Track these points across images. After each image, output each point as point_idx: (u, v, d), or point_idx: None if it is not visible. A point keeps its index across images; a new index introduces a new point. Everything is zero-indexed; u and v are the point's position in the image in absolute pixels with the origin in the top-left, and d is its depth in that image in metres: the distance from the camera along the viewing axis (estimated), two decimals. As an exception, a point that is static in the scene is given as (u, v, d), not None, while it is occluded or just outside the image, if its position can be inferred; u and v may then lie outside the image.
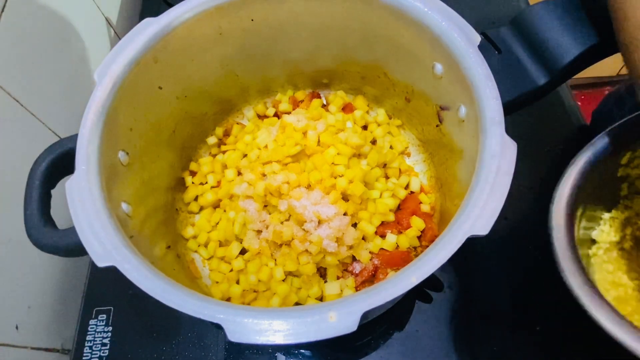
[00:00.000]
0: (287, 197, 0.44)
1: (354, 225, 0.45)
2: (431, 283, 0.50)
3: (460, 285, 0.50)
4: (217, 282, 0.46)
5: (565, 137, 0.60)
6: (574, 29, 0.39)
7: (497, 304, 0.49)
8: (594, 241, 0.44)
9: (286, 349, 0.47)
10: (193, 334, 0.48)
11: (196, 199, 0.50)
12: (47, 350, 0.49)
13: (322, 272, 0.45)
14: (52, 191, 0.39)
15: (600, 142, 0.38)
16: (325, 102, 0.56)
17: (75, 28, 0.60)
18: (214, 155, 0.53)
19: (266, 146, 0.48)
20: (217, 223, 0.48)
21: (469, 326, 0.48)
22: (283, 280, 0.44)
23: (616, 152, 0.39)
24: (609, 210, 0.45)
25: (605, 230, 0.44)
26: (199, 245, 0.48)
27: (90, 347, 0.47)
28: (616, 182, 0.44)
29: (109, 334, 0.48)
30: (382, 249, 0.45)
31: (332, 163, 0.46)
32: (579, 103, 0.80)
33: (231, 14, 0.43)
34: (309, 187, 0.45)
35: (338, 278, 0.45)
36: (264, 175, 0.46)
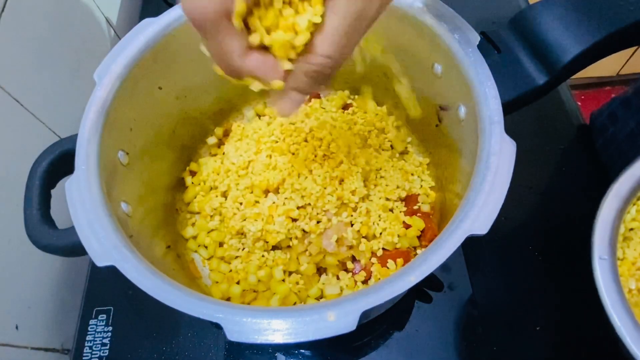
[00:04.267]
0: (287, 197, 0.44)
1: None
2: (431, 283, 0.49)
3: (460, 285, 0.50)
4: (217, 282, 0.46)
5: (565, 137, 0.60)
6: (574, 28, 0.39)
7: (497, 304, 0.49)
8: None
9: (286, 348, 0.47)
10: (193, 334, 0.48)
11: (196, 198, 0.50)
12: (47, 350, 0.49)
13: (321, 272, 0.45)
14: (52, 191, 0.39)
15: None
16: (325, 102, 0.55)
17: (75, 28, 0.60)
18: (214, 155, 0.53)
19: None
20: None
21: (469, 326, 0.48)
22: (283, 280, 0.44)
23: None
24: None
25: None
26: (199, 245, 0.48)
27: (90, 347, 0.47)
28: None
29: (109, 334, 0.48)
30: (382, 248, 0.45)
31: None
32: (579, 103, 0.80)
33: (231, 14, 0.43)
34: (308, 187, 0.45)
35: (338, 278, 0.45)
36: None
